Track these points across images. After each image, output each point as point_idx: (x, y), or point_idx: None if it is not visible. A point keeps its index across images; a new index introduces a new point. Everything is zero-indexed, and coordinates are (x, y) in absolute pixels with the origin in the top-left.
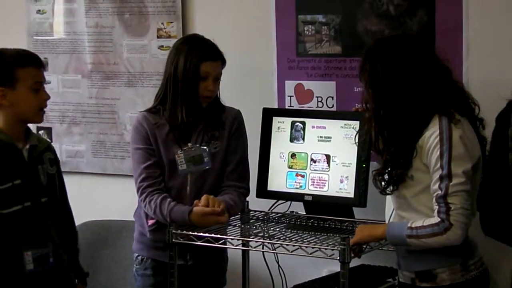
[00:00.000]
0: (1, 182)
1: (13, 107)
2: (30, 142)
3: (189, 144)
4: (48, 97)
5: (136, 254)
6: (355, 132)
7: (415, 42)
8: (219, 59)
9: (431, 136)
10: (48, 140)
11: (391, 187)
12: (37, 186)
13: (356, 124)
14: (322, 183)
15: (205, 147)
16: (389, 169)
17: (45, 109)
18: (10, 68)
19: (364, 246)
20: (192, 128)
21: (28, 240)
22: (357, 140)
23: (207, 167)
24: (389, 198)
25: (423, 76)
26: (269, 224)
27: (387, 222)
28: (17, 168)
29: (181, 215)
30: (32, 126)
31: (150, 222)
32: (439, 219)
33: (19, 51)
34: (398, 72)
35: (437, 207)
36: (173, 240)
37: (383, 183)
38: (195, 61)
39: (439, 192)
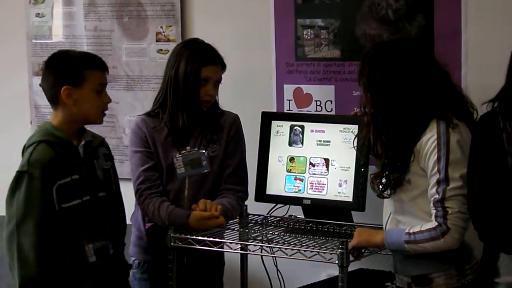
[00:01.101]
0: (61, 177)
1: (77, 106)
2: (84, 138)
3: (188, 148)
4: (110, 100)
5: (133, 258)
6: (354, 136)
7: (414, 46)
8: (219, 63)
9: (429, 140)
10: (102, 136)
11: (389, 191)
12: (95, 181)
13: (355, 128)
14: (320, 187)
15: (204, 151)
16: (386, 172)
17: (106, 112)
18: (78, 69)
19: (363, 250)
20: (191, 132)
21: (88, 233)
22: (355, 145)
23: (205, 171)
24: (386, 202)
25: (421, 80)
26: (267, 228)
27: (384, 226)
28: (74, 164)
29: (180, 219)
30: (31, 130)
31: (147, 225)
32: (436, 224)
33: (86, 54)
34: (396, 77)
35: (434, 211)
36: (172, 243)
37: (380, 187)
38: (196, 65)
39: (436, 196)
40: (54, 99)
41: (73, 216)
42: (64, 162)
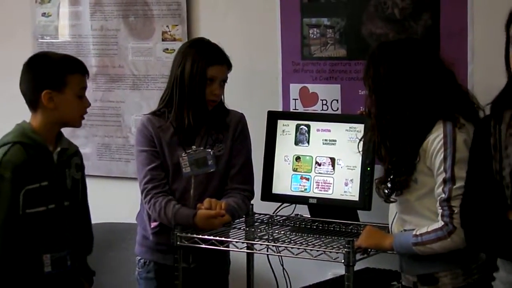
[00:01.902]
0: (30, 182)
1: (57, 111)
2: (61, 145)
3: (193, 147)
4: (89, 104)
5: (139, 258)
6: (360, 137)
7: (418, 47)
8: (225, 63)
9: (435, 139)
10: (77, 145)
11: (395, 194)
12: (63, 189)
13: (361, 127)
14: (326, 186)
15: (209, 150)
16: (391, 177)
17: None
18: (60, 73)
19: (369, 250)
20: (197, 131)
21: (47, 242)
22: (360, 149)
23: (211, 170)
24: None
25: (427, 82)
26: (273, 227)
27: (389, 225)
28: (46, 170)
29: (186, 218)
30: None
31: (153, 224)
32: (442, 223)
33: (67, 57)
34: (402, 78)
35: (440, 210)
36: (178, 243)
37: (386, 191)
38: (202, 64)
39: (443, 195)
40: (33, 103)
41: (35, 223)
42: (36, 167)
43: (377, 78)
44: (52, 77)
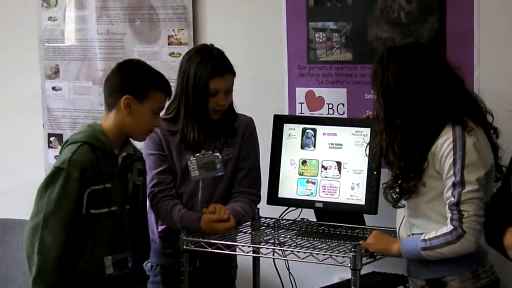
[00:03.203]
0: (95, 183)
1: (129, 118)
2: (126, 150)
3: (202, 151)
4: (160, 125)
5: (146, 261)
6: (366, 141)
7: (428, 51)
8: (228, 72)
9: (444, 143)
10: (141, 151)
11: (404, 197)
12: (125, 193)
13: (367, 131)
14: (333, 190)
15: (218, 154)
16: (399, 182)
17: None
18: (147, 85)
19: (376, 254)
20: (204, 140)
21: (109, 244)
22: (367, 153)
23: (219, 174)
24: None
25: (435, 86)
26: (280, 231)
27: (397, 229)
28: (110, 172)
29: (191, 223)
30: (43, 133)
31: (160, 228)
32: (452, 227)
33: (157, 73)
34: (410, 82)
35: (450, 214)
36: (184, 246)
37: (394, 196)
38: (203, 78)
39: (452, 199)
40: (111, 103)
41: (98, 224)
42: (101, 169)
43: (386, 82)
44: (138, 86)
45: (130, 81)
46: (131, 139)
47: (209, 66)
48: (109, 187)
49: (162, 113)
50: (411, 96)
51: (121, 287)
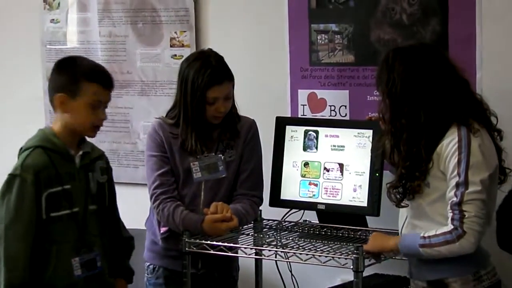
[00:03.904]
0: (52, 185)
1: (68, 116)
2: (83, 149)
3: (205, 152)
4: (105, 118)
5: (148, 263)
6: (368, 143)
7: (433, 52)
8: (225, 79)
9: (450, 143)
10: (102, 149)
11: (407, 199)
12: (87, 193)
13: (369, 133)
14: (335, 192)
15: (220, 156)
16: (403, 181)
17: (100, 126)
18: (76, 79)
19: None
20: (204, 144)
21: (75, 246)
22: (373, 153)
23: (222, 176)
24: None
25: (441, 87)
26: (282, 233)
27: (400, 230)
28: (68, 174)
29: (194, 224)
30: None
31: (163, 229)
32: (452, 227)
33: (94, 65)
34: (416, 83)
35: (451, 214)
36: (187, 248)
37: (398, 196)
38: (201, 88)
39: (454, 199)
40: (51, 104)
41: (60, 227)
42: (58, 171)
43: (392, 82)
44: (68, 82)
45: (59, 79)
46: (87, 138)
47: (207, 75)
48: (69, 188)
49: (160, 115)
50: (417, 96)
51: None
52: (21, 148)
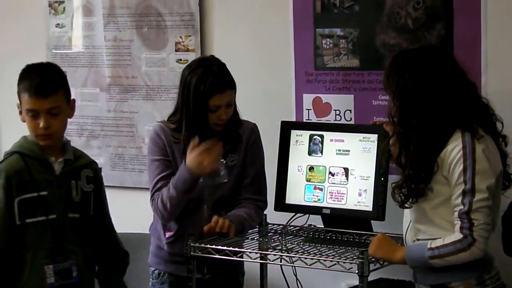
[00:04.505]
0: (27, 191)
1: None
2: (63, 156)
3: None
4: (45, 126)
5: (153, 268)
6: (375, 146)
7: (442, 55)
8: (228, 87)
9: (454, 149)
10: (92, 158)
11: (410, 201)
12: (67, 200)
13: (374, 137)
14: (340, 196)
15: (222, 160)
16: (409, 183)
17: (46, 134)
18: (18, 90)
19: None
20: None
21: (50, 253)
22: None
23: (223, 181)
24: (406, 211)
25: (449, 90)
26: (287, 237)
27: (404, 234)
28: (45, 180)
29: (180, 175)
30: None
31: (168, 234)
32: (461, 235)
33: (28, 75)
34: (426, 85)
35: (459, 222)
36: (191, 253)
37: (402, 197)
38: (203, 95)
39: (462, 207)
40: None
41: (35, 233)
42: (34, 177)
43: (402, 84)
44: (17, 91)
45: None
46: (67, 145)
47: (209, 83)
48: (45, 195)
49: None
50: (427, 99)
51: None
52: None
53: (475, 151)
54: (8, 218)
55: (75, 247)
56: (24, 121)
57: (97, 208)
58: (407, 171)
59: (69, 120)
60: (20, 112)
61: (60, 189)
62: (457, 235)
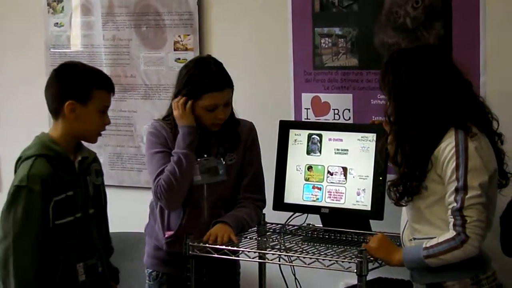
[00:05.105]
0: (57, 193)
1: (77, 123)
2: (81, 154)
3: (205, 156)
4: (109, 122)
5: (150, 270)
6: (373, 145)
7: (438, 54)
8: (226, 86)
9: (446, 147)
10: (94, 151)
11: (405, 199)
12: (86, 197)
13: (373, 136)
14: (338, 195)
15: (221, 159)
16: (404, 180)
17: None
18: (87, 86)
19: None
20: (208, 141)
21: (79, 252)
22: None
23: (222, 179)
24: (404, 210)
25: (445, 89)
26: (285, 237)
27: (401, 234)
28: (70, 180)
29: (180, 135)
30: None
31: (168, 234)
32: (455, 233)
33: (97, 71)
34: (422, 84)
35: (452, 220)
36: (190, 252)
37: (397, 195)
38: (200, 92)
39: (455, 204)
40: (56, 111)
41: (66, 234)
42: (61, 178)
43: (398, 83)
44: (78, 89)
45: (69, 85)
46: (83, 142)
47: (206, 81)
48: (72, 195)
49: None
50: (422, 97)
51: None
52: (20, 158)
53: (468, 148)
54: (44, 223)
55: (97, 241)
56: (74, 119)
57: (104, 200)
58: (402, 169)
59: None
60: (73, 110)
61: (81, 187)
62: (451, 233)
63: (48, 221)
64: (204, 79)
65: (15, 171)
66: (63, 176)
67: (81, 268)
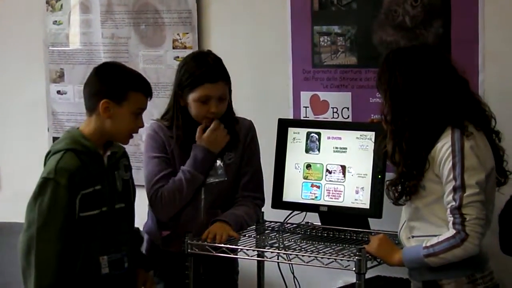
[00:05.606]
0: (84, 187)
1: (110, 122)
2: (111, 149)
3: None
4: (143, 125)
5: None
6: (372, 143)
7: (433, 53)
8: (220, 79)
9: (443, 147)
10: (123, 146)
11: (404, 198)
12: (114, 192)
13: (371, 135)
14: (337, 194)
15: (220, 159)
16: (402, 180)
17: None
18: (124, 87)
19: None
20: None
21: (103, 245)
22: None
23: (221, 179)
24: (403, 210)
25: (441, 88)
26: (284, 235)
27: (398, 232)
28: (98, 174)
29: (198, 156)
30: (48, 137)
31: (164, 233)
32: (454, 231)
33: (137, 74)
34: (417, 83)
35: (451, 218)
36: (189, 250)
37: (396, 194)
38: (194, 83)
39: (453, 203)
40: (91, 108)
41: (89, 226)
42: (89, 172)
43: (394, 82)
44: (115, 89)
45: (107, 85)
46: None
47: (201, 72)
48: (99, 189)
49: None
50: (418, 97)
51: (116, 287)
52: (49, 152)
53: (464, 147)
54: (69, 215)
55: (126, 236)
56: (108, 118)
57: (133, 195)
58: (400, 168)
59: (66, 117)
60: (107, 109)
61: (109, 181)
62: (451, 231)
63: (74, 213)
64: (199, 70)
65: (45, 164)
66: (92, 170)
67: (105, 261)
